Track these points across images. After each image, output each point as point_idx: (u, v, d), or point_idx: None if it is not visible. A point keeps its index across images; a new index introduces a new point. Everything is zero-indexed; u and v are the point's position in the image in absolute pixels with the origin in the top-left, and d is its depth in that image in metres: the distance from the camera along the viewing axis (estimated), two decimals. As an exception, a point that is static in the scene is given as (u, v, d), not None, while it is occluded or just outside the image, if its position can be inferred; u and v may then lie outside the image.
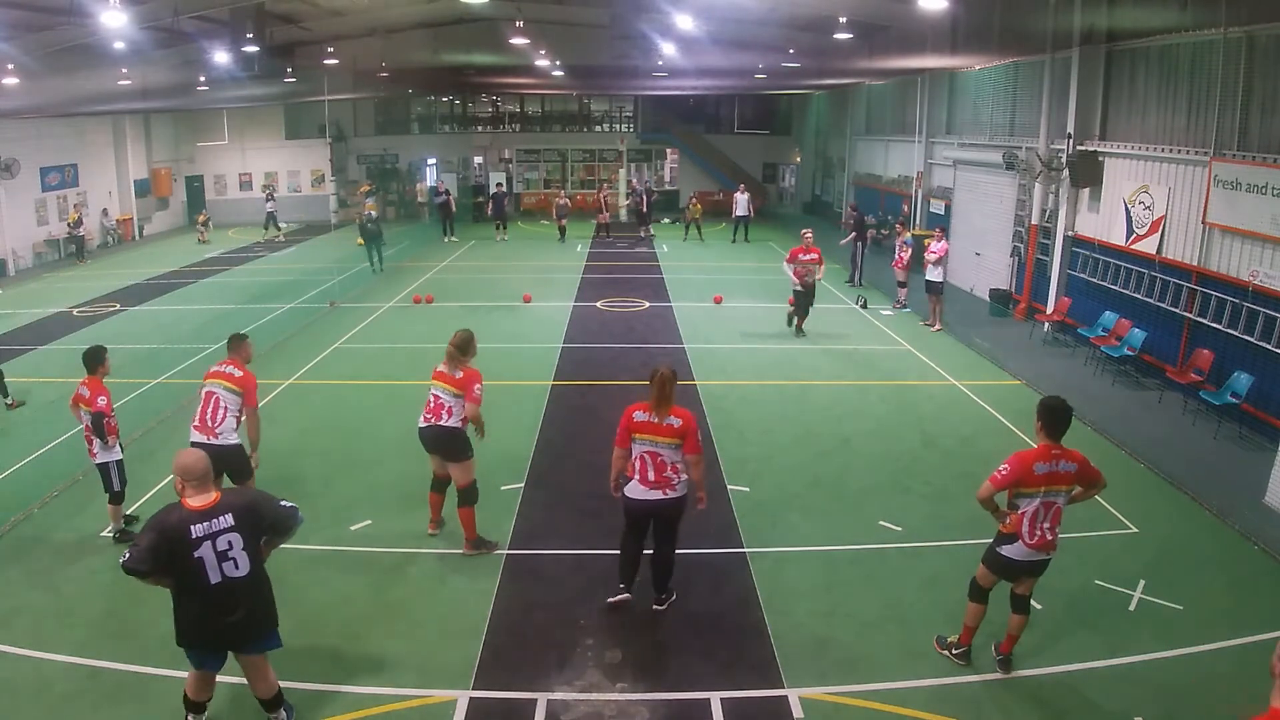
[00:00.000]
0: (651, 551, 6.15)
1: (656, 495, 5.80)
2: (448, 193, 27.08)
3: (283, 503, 4.63)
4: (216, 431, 6.83)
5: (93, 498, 7.68)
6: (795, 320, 14.36)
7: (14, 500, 8.05)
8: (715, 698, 5.30)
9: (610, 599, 6.19)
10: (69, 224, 23.21)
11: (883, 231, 21.06)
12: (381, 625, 6.08)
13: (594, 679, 5.50)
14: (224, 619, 4.45)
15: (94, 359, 7.03)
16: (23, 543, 7.27)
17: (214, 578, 4.34)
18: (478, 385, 6.73)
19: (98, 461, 6.96)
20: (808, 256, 13.98)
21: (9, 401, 10.66)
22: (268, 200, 28.54)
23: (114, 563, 5.59)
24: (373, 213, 21.72)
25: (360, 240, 21.31)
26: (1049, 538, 5.23)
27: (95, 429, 6.81)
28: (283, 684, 4.88)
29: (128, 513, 7.43)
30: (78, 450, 7.72)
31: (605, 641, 5.90)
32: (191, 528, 4.28)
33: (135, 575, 4.32)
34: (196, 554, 4.28)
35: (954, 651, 5.71)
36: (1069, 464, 5.16)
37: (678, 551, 6.66)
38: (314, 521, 7.61)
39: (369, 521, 7.62)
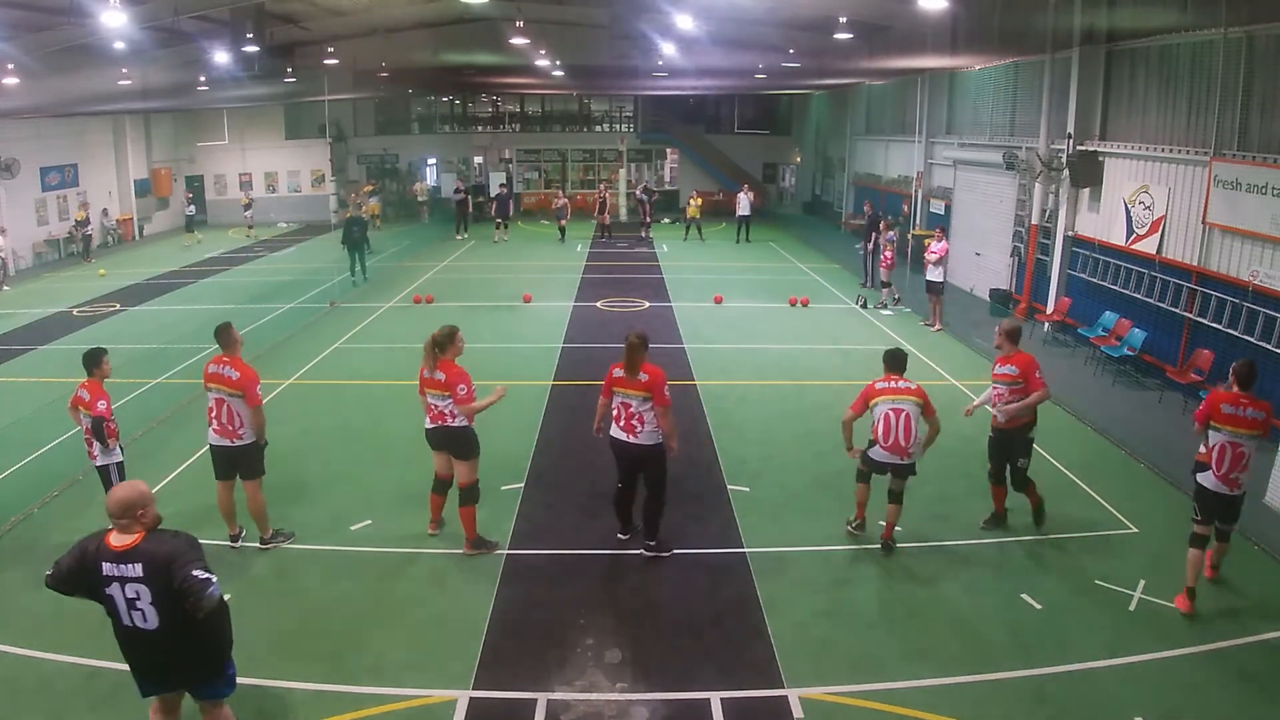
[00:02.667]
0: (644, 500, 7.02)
1: (625, 437, 6.79)
2: (462, 191, 27.30)
3: (196, 572, 3.91)
4: (239, 434, 6.85)
5: (92, 499, 7.67)
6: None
7: (14, 501, 8.05)
8: (715, 698, 5.30)
9: (620, 536, 7.26)
10: (76, 221, 23.19)
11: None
12: (381, 625, 6.09)
13: (594, 679, 5.50)
14: (140, 662, 4.20)
15: (92, 361, 6.95)
16: (23, 543, 7.28)
17: (125, 620, 4.05)
18: (462, 386, 6.68)
19: (98, 464, 6.92)
20: (1004, 371, 7.43)
21: None
22: (189, 204, 27.41)
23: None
24: (371, 215, 21.20)
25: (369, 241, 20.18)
26: (902, 443, 6.84)
27: (95, 432, 6.78)
28: (283, 684, 4.86)
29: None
30: (77, 451, 7.72)
31: (605, 641, 5.90)
32: (103, 564, 3.98)
33: (57, 592, 4.14)
34: (107, 590, 4.00)
35: (851, 526, 7.41)
36: (906, 384, 6.97)
37: (678, 551, 7.07)
38: (314, 522, 7.65)
39: (369, 521, 7.62)
